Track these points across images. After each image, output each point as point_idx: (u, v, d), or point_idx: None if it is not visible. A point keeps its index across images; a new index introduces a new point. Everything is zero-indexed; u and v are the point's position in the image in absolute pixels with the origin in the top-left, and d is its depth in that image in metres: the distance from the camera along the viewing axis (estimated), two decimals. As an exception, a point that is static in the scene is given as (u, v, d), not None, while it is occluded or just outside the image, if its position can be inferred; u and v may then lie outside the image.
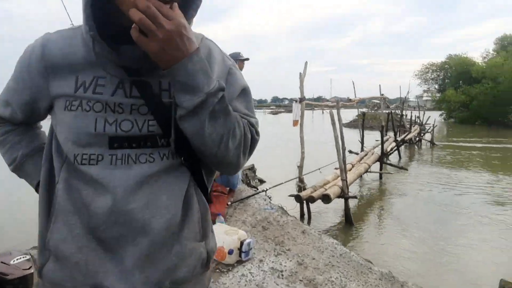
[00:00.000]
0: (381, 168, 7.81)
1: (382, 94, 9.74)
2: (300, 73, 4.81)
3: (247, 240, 3.03)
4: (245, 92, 0.93)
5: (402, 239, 4.49)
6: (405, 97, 15.71)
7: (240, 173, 4.50)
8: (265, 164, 9.56)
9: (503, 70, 28.72)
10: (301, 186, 4.83)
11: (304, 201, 4.78)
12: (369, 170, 6.94)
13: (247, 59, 5.65)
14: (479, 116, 29.44)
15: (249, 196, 4.56)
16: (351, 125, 22.64)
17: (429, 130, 16.25)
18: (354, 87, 7.79)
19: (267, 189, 4.86)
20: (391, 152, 9.52)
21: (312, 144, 13.22)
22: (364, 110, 17.64)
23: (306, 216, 5.07)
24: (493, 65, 30.65)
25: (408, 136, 12.29)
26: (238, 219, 4.03)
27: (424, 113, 17.34)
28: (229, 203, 4.27)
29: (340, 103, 5.49)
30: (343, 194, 4.78)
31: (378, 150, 8.50)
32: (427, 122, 16.94)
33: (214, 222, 3.46)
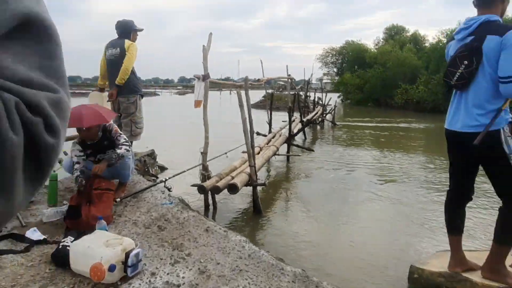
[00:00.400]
0: (288, 150, 7.71)
1: (289, 75, 9.66)
2: (204, 46, 4.18)
3: (135, 251, 2.41)
4: (29, 28, 0.35)
5: (310, 226, 4.32)
6: (309, 79, 16.15)
7: (132, 162, 3.78)
8: (168, 148, 8.81)
9: (390, 56, 31.83)
10: (205, 175, 4.30)
11: (209, 192, 4.27)
12: (277, 153, 6.74)
13: (141, 29, 4.87)
14: (371, 98, 32.35)
15: (143, 189, 3.88)
16: (258, 106, 22.80)
17: (331, 111, 17.11)
18: (262, 66, 7.46)
19: (166, 179, 4.22)
20: (297, 133, 9.57)
21: (219, 125, 12.79)
22: (270, 91, 17.75)
23: (211, 207, 4.59)
24: (383, 52, 33.77)
25: (313, 117, 12.63)
26: (129, 219, 3.35)
27: (326, 94, 18.16)
28: (118, 199, 3.55)
29: (248, 83, 5.04)
30: (251, 182, 4.40)
31: (285, 131, 8.41)
32: (329, 103, 17.80)
33: (93, 228, 2.75)
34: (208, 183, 4.12)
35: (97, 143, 3.60)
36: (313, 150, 8.41)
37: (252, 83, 6.68)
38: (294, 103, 9.18)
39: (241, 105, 4.46)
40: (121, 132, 3.63)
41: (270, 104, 8.75)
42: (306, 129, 11.01)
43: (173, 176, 4.40)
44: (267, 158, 5.94)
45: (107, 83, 4.76)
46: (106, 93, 4.68)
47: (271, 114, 8.94)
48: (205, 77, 4.23)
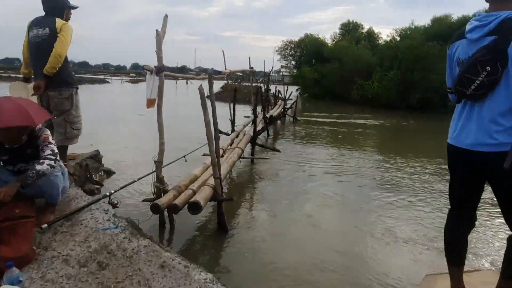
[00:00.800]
0: (253, 152, 7.08)
1: (252, 67, 8.99)
2: (157, 31, 3.39)
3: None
4: None
5: (282, 246, 3.73)
6: (270, 72, 15.56)
7: (63, 179, 2.97)
8: (117, 147, 7.83)
9: (347, 52, 32.19)
10: (160, 189, 3.55)
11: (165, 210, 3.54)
12: (242, 156, 6.08)
13: (76, 7, 3.99)
14: (328, 92, 32.60)
15: (80, 209, 3.07)
16: (216, 97, 21.90)
17: (292, 106, 16.69)
18: (224, 57, 6.73)
19: (111, 193, 3.42)
20: (261, 131, 8.95)
21: (177, 119, 11.84)
22: (230, 81, 16.97)
23: (167, 225, 3.86)
24: (340, 47, 34.09)
25: (276, 112, 12.09)
26: (58, 254, 2.55)
27: (287, 88, 17.68)
28: (43, 226, 2.73)
29: (212, 77, 4.30)
30: (217, 196, 3.72)
31: (249, 130, 7.76)
32: (290, 97, 17.37)
33: None
34: (163, 200, 3.37)
35: (18, 149, 2.77)
36: (279, 151, 7.84)
37: (214, 76, 5.94)
38: (257, 97, 8.53)
39: (203, 104, 3.73)
40: (51, 142, 2.79)
41: (233, 99, 7.99)
42: (267, 124, 10.43)
43: (120, 189, 3.61)
44: (232, 164, 5.25)
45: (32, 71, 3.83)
46: (32, 84, 3.74)
47: (234, 110, 8.21)
48: (160, 70, 3.45)
